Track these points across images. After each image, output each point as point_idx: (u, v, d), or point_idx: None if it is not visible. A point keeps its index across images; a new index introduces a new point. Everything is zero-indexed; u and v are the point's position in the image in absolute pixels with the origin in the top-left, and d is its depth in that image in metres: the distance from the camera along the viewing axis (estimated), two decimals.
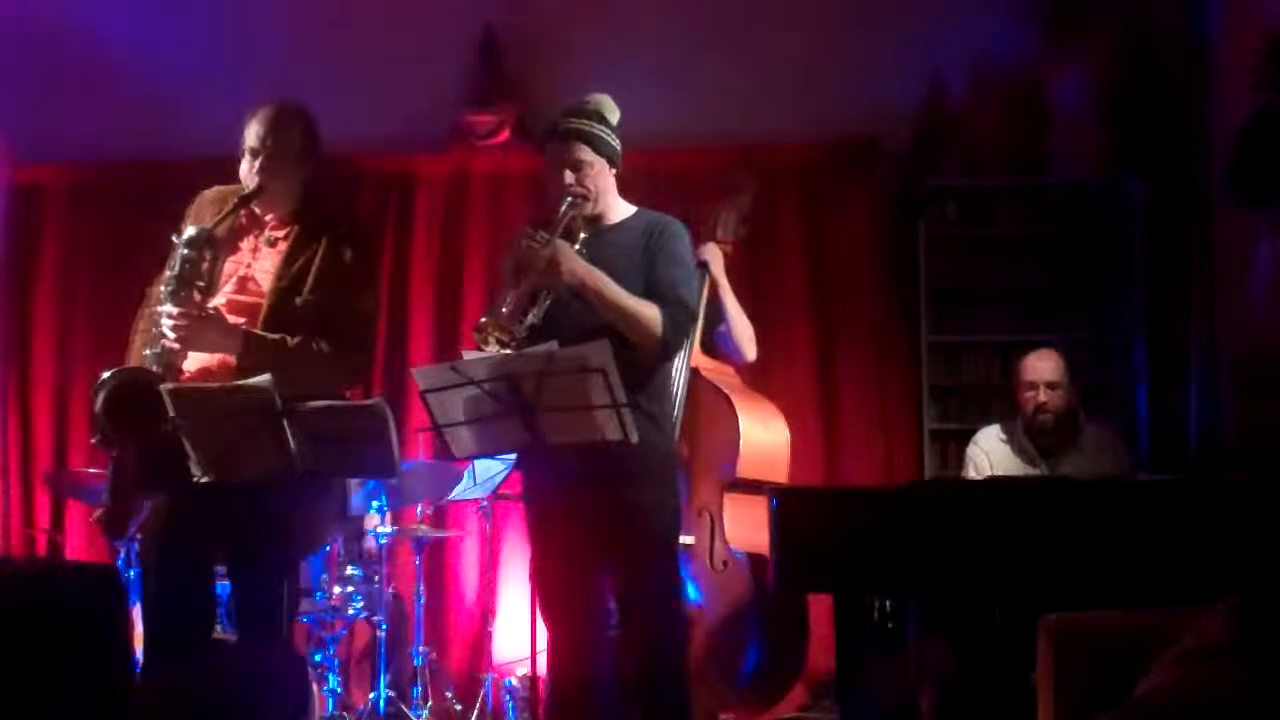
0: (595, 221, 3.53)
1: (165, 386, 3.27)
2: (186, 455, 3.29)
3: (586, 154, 3.48)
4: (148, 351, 3.37)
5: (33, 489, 5.89)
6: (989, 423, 4.84)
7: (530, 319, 3.33)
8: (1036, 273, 5.79)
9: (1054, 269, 5.78)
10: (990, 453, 4.75)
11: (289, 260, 3.49)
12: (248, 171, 3.50)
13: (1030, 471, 4.66)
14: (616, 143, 3.55)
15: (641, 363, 3.40)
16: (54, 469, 5.77)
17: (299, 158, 3.52)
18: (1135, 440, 5.51)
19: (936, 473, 5.55)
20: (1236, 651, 2.47)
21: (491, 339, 3.27)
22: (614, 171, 3.56)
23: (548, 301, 3.37)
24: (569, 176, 3.47)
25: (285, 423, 3.25)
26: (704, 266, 4.51)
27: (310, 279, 3.46)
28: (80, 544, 5.77)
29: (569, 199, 3.46)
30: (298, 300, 3.45)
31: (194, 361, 3.43)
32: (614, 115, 3.58)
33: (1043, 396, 4.67)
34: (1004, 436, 4.76)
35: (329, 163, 3.69)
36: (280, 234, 3.53)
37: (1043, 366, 4.71)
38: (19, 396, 5.95)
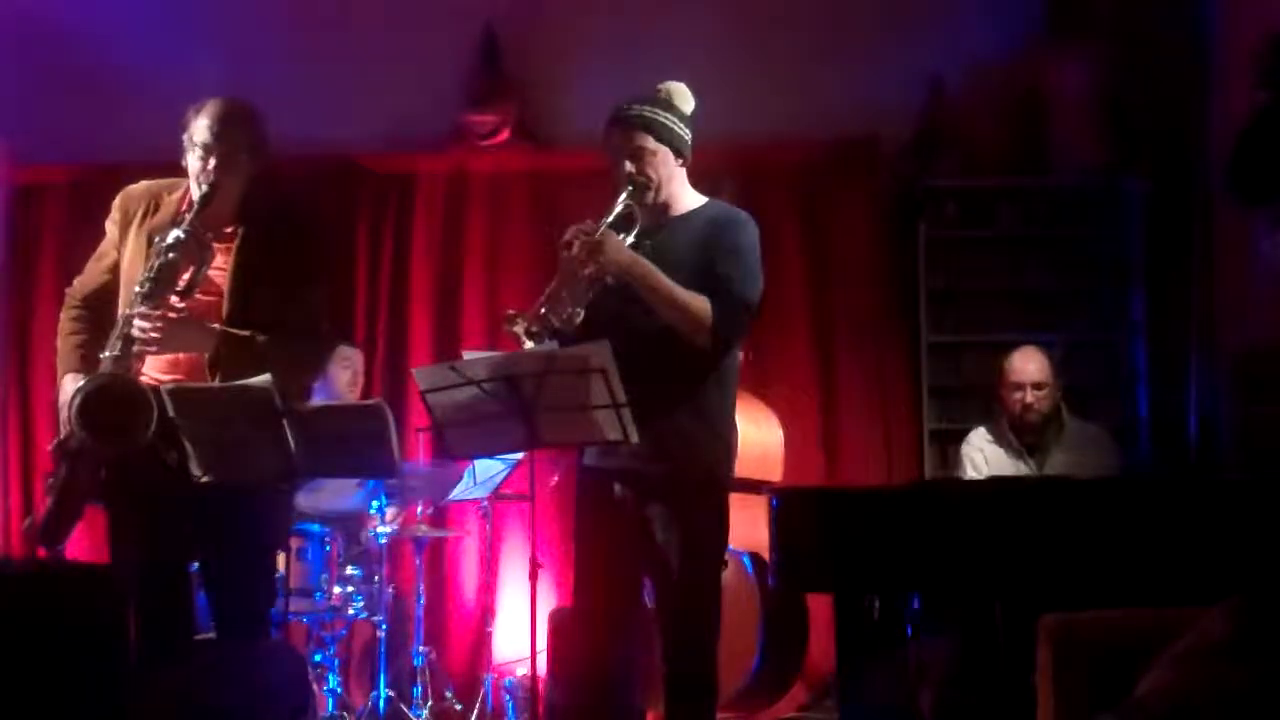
0: (660, 212, 3.42)
1: (165, 387, 3.27)
2: (156, 460, 3.28)
3: (648, 142, 3.36)
4: (105, 354, 3.33)
5: (33, 489, 5.88)
6: (995, 420, 4.84)
7: (570, 311, 3.24)
8: (1036, 273, 5.79)
9: (1054, 269, 5.78)
10: (984, 450, 4.76)
11: (240, 256, 3.46)
12: (200, 169, 3.45)
13: (1019, 468, 4.68)
14: (685, 132, 3.41)
15: (697, 359, 3.32)
16: (54, 469, 5.76)
17: (248, 153, 3.49)
18: (1135, 440, 5.51)
19: (936, 473, 5.55)
20: (1236, 651, 2.47)
21: (519, 328, 3.20)
22: (681, 161, 3.42)
23: (590, 293, 3.28)
24: (629, 165, 3.36)
25: (285, 423, 3.25)
26: None
27: (266, 274, 3.45)
28: (80, 544, 5.76)
29: (627, 188, 3.36)
30: (256, 296, 3.43)
31: (153, 364, 3.41)
32: (686, 104, 3.45)
33: (1029, 398, 4.68)
34: (991, 437, 4.78)
35: (289, 162, 3.66)
36: (228, 229, 3.50)
37: (1029, 368, 4.71)
38: (19, 396, 5.95)
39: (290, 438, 3.26)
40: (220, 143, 3.44)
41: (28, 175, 5.99)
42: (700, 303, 3.27)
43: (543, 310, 3.23)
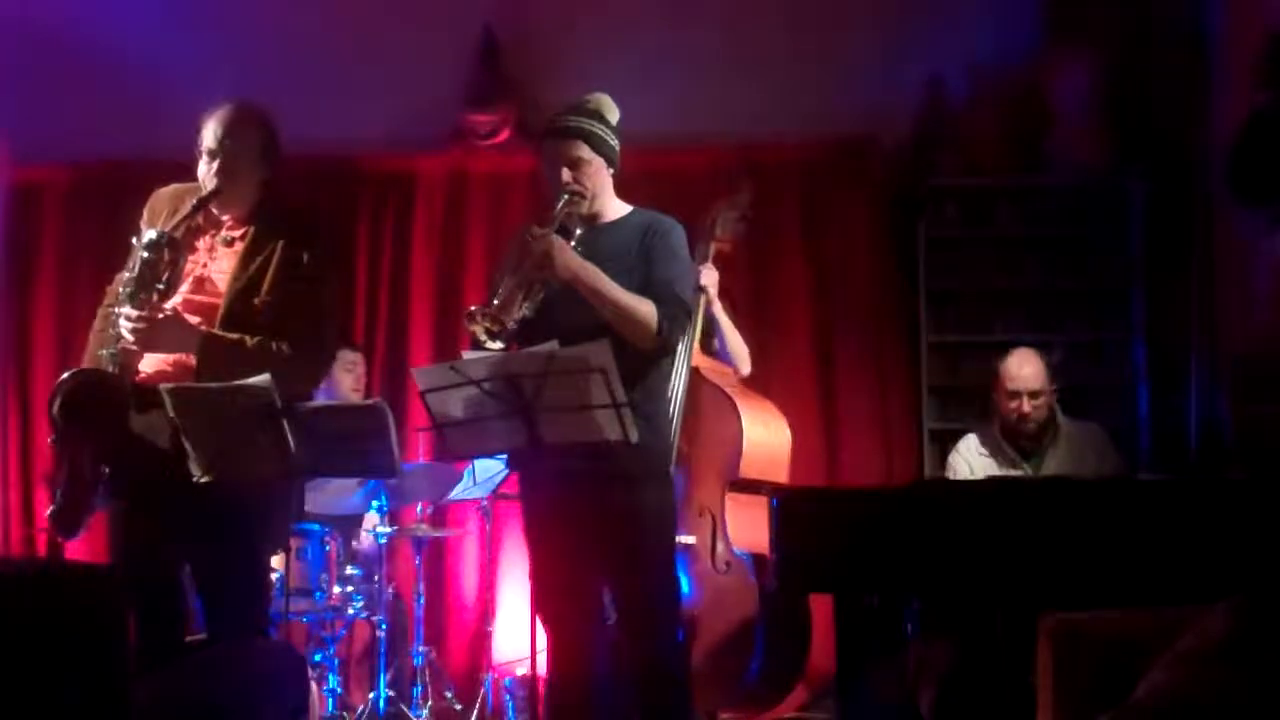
0: (591, 220, 3.52)
1: (164, 386, 3.27)
2: (144, 457, 3.28)
3: (585, 151, 3.48)
4: (103, 351, 3.37)
5: (33, 489, 5.89)
6: (989, 423, 4.84)
7: (523, 311, 3.33)
8: (1036, 273, 5.78)
9: (1054, 269, 5.77)
10: (972, 462, 4.74)
11: (246, 261, 3.48)
12: (206, 172, 3.49)
13: (1014, 475, 4.66)
14: (615, 142, 3.55)
15: (637, 360, 3.39)
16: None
17: (257, 158, 3.52)
18: (1135, 440, 5.51)
19: (936, 473, 5.54)
20: (1236, 651, 2.47)
21: (480, 327, 3.28)
22: (612, 171, 3.55)
23: (540, 295, 3.37)
24: (566, 174, 3.47)
25: (284, 423, 3.25)
26: (701, 290, 4.51)
27: (268, 280, 3.46)
28: (80, 544, 5.75)
29: (565, 196, 3.46)
30: (255, 301, 3.45)
31: (150, 363, 3.42)
32: (613, 115, 3.57)
33: (1027, 407, 4.65)
34: (983, 447, 4.75)
35: (288, 162, 3.68)
36: (237, 234, 3.53)
37: (1026, 375, 4.68)
38: (19, 396, 5.95)
39: (290, 437, 3.26)
40: (224, 148, 3.46)
41: (28, 175, 6.00)
42: (645, 306, 3.37)
43: (498, 312, 3.30)
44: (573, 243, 3.43)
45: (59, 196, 6.03)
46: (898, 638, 3.67)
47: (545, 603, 3.51)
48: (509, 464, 3.57)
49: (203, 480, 3.30)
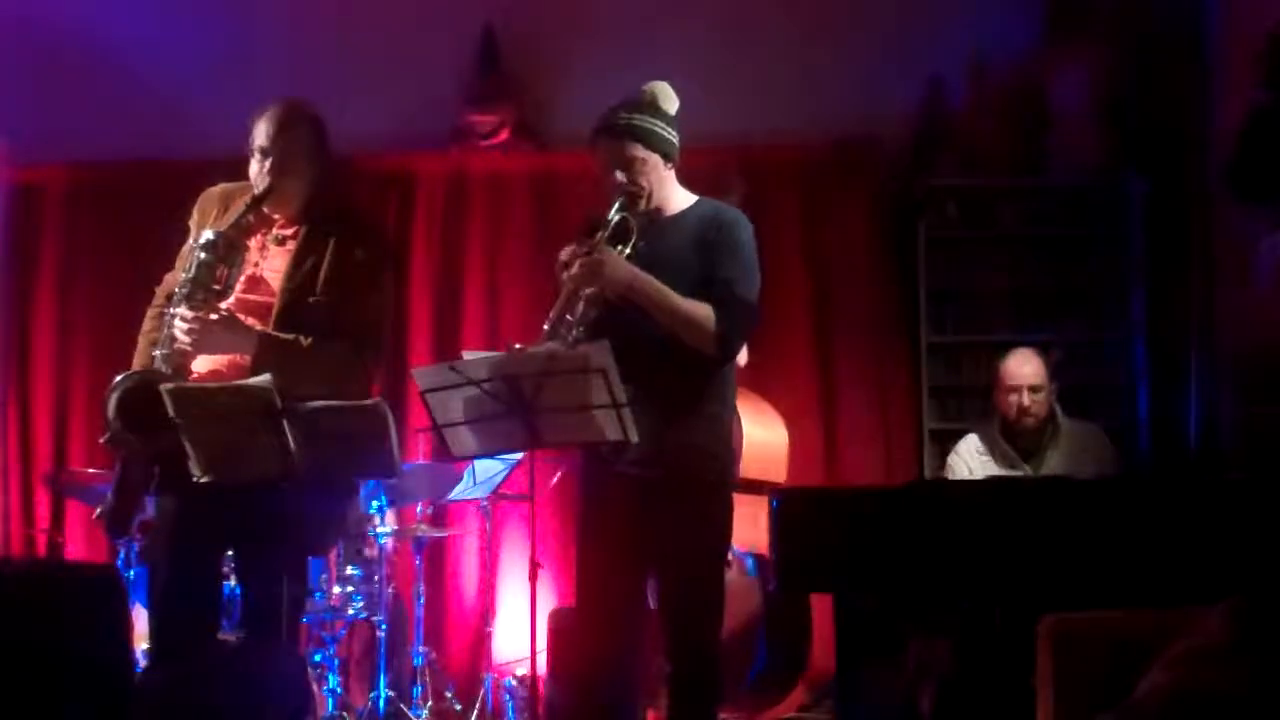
0: (653, 215, 3.42)
1: (165, 386, 3.27)
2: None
3: (638, 150, 3.36)
4: (157, 352, 3.36)
5: (33, 489, 5.89)
6: (988, 423, 4.85)
7: (575, 332, 3.23)
8: (1036, 273, 5.78)
9: (1054, 269, 5.77)
10: (971, 463, 4.75)
11: (299, 259, 3.47)
12: (258, 171, 3.47)
13: (1014, 475, 4.66)
14: (672, 135, 3.41)
15: (700, 366, 3.32)
16: (54, 469, 5.77)
17: (308, 157, 3.49)
18: (1135, 440, 5.51)
19: (936, 473, 5.54)
20: (1236, 651, 2.47)
21: None
22: (670, 165, 3.43)
23: (594, 312, 3.28)
24: (620, 175, 3.37)
25: (285, 423, 3.25)
26: None
27: (321, 279, 3.45)
28: (80, 544, 5.77)
29: (620, 199, 3.36)
30: (310, 300, 3.44)
31: (204, 362, 3.42)
32: (671, 105, 3.45)
33: (1026, 400, 4.67)
34: (982, 446, 4.76)
35: (337, 162, 3.67)
36: (288, 232, 3.52)
37: (1025, 371, 4.70)
38: (19, 396, 5.95)
39: (290, 437, 3.26)
40: (276, 146, 3.45)
41: (28, 175, 5.99)
42: (703, 311, 3.28)
43: (547, 338, 3.22)
44: (629, 247, 3.32)
45: (59, 196, 6.02)
46: (898, 638, 3.67)
47: (587, 596, 3.45)
48: (584, 460, 3.49)
49: (245, 481, 3.29)
